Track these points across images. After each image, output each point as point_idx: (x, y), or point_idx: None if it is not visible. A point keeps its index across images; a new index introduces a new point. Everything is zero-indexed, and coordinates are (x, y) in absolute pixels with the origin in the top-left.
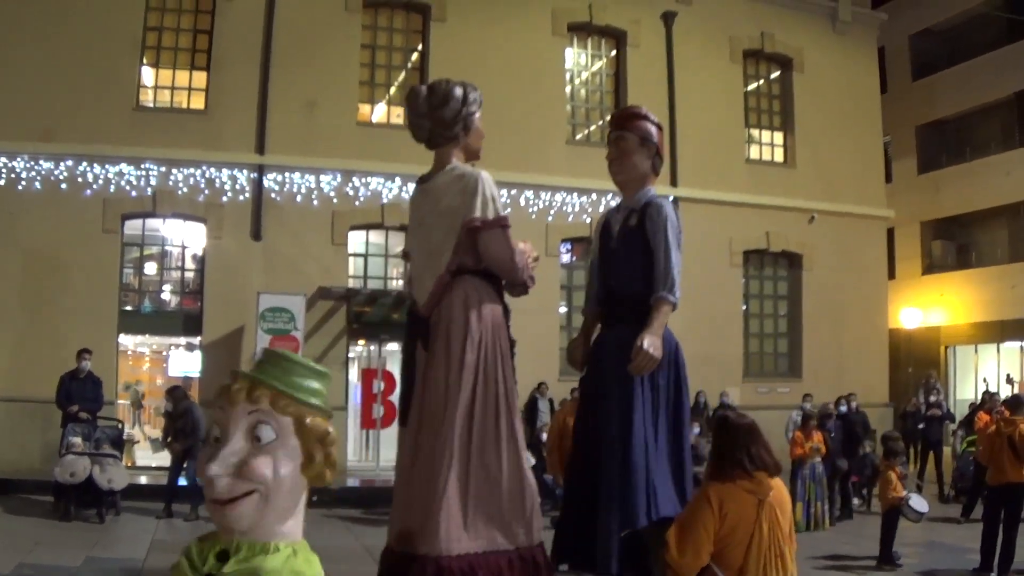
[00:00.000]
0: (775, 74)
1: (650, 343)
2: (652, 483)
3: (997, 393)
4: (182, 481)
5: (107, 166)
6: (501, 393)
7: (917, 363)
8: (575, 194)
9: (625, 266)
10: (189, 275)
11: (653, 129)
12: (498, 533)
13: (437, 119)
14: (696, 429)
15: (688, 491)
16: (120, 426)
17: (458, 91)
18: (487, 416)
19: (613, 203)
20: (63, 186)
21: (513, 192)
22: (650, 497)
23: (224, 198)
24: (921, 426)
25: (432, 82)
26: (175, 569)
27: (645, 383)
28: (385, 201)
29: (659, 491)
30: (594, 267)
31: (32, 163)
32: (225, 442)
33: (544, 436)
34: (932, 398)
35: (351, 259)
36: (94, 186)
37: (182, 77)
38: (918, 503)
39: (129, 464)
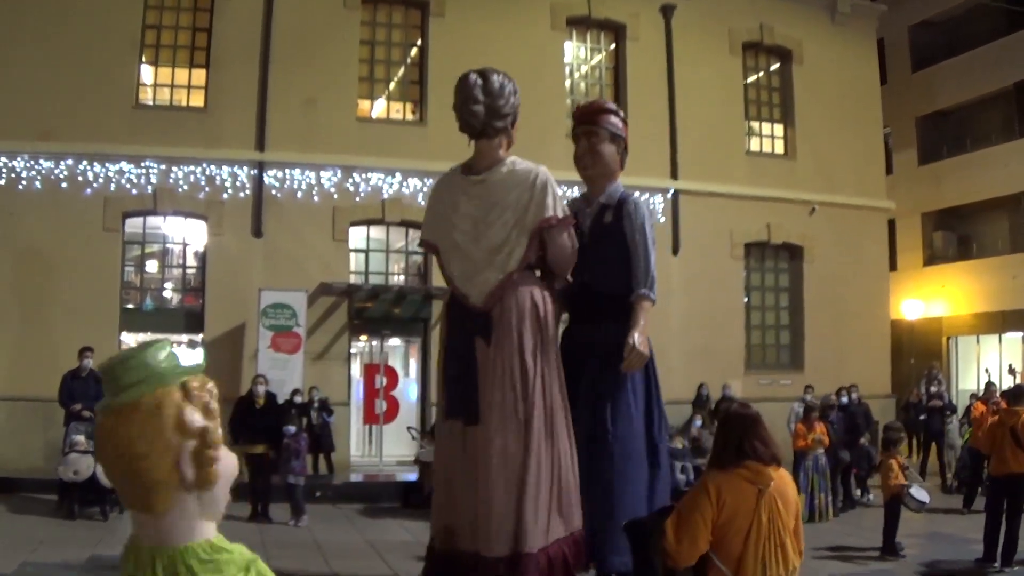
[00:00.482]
0: (774, 66)
1: (640, 341)
2: (651, 480)
3: (995, 384)
4: None
5: (107, 164)
6: (561, 386)
7: (919, 354)
8: (575, 188)
9: (601, 263)
10: (190, 272)
11: (620, 123)
12: (565, 520)
13: (492, 110)
14: (698, 421)
15: (659, 485)
16: None
17: (509, 83)
18: (556, 410)
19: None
20: (63, 185)
21: None
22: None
23: (225, 195)
24: (923, 417)
25: (483, 70)
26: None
27: (637, 380)
28: (386, 197)
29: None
30: None
31: (32, 162)
32: None
33: None
34: (933, 389)
35: (352, 255)
36: (94, 185)
37: (181, 75)
38: (919, 493)
39: None
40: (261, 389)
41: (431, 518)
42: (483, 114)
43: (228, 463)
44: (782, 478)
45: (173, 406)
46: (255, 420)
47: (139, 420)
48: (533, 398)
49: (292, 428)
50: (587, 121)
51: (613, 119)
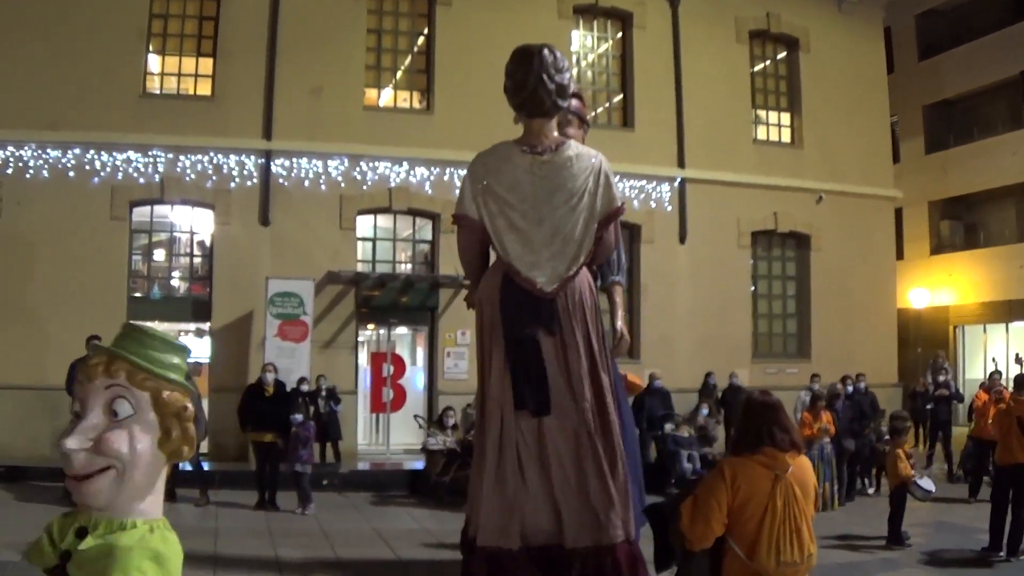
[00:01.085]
0: (781, 55)
1: (624, 327)
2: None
3: (999, 373)
4: (186, 465)
5: (114, 153)
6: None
7: (926, 343)
8: None
9: None
10: (198, 261)
11: (582, 105)
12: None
13: (561, 88)
14: (704, 410)
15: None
16: None
17: (565, 60)
18: (617, 401)
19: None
20: (71, 174)
21: None
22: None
23: (232, 184)
24: (930, 406)
25: (548, 46)
26: (33, 546)
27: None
28: (393, 185)
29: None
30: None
31: (39, 152)
32: (83, 416)
33: None
34: (941, 378)
35: (359, 243)
36: (102, 174)
37: (188, 64)
38: (925, 483)
39: None
40: (270, 377)
41: (473, 514)
42: (555, 92)
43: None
44: (801, 465)
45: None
46: (264, 407)
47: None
48: (603, 387)
49: (299, 417)
50: (574, 108)
51: (577, 103)
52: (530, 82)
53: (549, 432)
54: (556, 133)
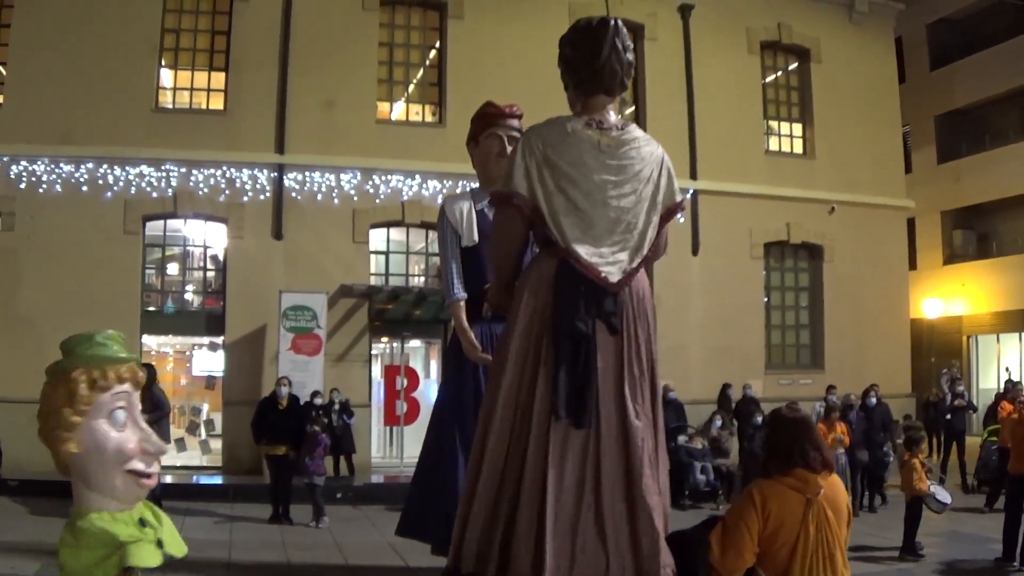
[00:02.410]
0: (792, 65)
1: None
2: None
3: (1019, 382)
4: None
5: (127, 168)
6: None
7: (939, 353)
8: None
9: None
10: (211, 275)
11: None
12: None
13: (630, 64)
14: (718, 421)
15: None
16: None
17: None
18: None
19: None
20: (84, 188)
21: None
22: None
23: (245, 198)
24: (949, 417)
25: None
26: (139, 553)
27: None
28: (405, 198)
29: None
30: (458, 256)
31: (53, 166)
32: (137, 421)
33: None
34: (959, 388)
35: (372, 257)
36: (115, 188)
37: (201, 78)
38: (941, 494)
39: None
40: (285, 391)
41: (466, 541)
42: (628, 67)
43: (107, 445)
44: (833, 485)
45: (78, 380)
46: (277, 420)
47: (47, 387)
48: (659, 403)
49: (316, 428)
50: (517, 126)
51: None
52: (604, 52)
53: (596, 448)
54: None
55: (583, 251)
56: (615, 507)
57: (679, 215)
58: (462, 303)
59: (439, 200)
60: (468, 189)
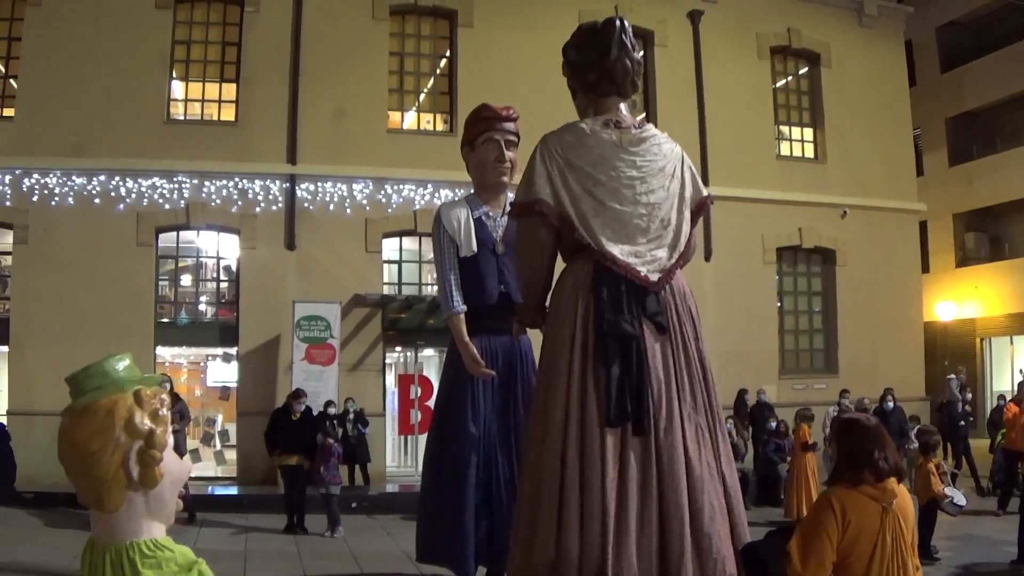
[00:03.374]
0: (803, 70)
1: None
2: None
3: None
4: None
5: (139, 180)
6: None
7: (953, 356)
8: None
9: (512, 272)
10: (224, 286)
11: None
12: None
13: (639, 64)
14: (728, 425)
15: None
16: None
17: None
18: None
19: None
20: (96, 201)
21: None
22: None
23: (257, 208)
24: (963, 423)
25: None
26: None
27: None
28: (417, 207)
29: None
30: (456, 266)
31: (65, 179)
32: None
33: None
34: (969, 395)
35: (385, 266)
36: (127, 200)
37: (212, 90)
38: (957, 497)
39: None
40: (300, 406)
41: (537, 553)
42: (637, 66)
43: (175, 467)
44: (902, 494)
45: (125, 409)
46: (291, 431)
47: (94, 421)
48: (714, 398)
49: (329, 439)
50: (514, 130)
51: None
52: (613, 51)
53: (657, 453)
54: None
55: (618, 251)
56: (679, 511)
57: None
58: (462, 316)
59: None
60: (463, 196)
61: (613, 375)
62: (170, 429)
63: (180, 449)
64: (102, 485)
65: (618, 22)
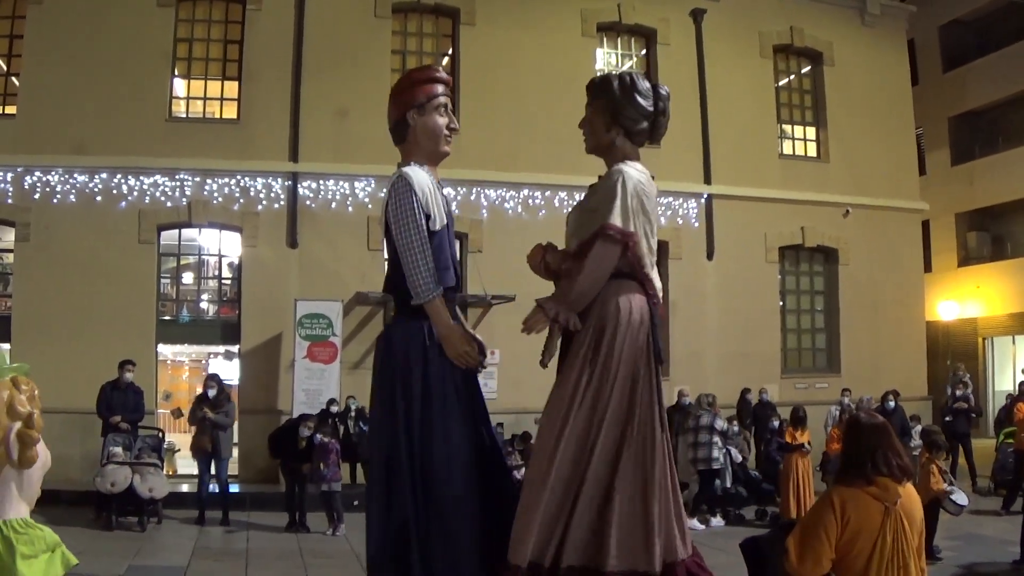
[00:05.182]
0: (805, 69)
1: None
2: None
3: None
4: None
5: (141, 177)
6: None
7: (955, 355)
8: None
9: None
10: (226, 284)
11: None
12: None
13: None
14: (733, 426)
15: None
16: (160, 435)
17: None
18: None
19: None
20: (98, 198)
21: (547, 193)
22: None
23: (259, 206)
24: (948, 419)
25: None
26: None
27: None
28: None
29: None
30: (428, 241)
31: (67, 176)
32: None
33: None
34: (959, 392)
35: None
36: (129, 198)
37: (214, 87)
38: (959, 497)
39: (170, 473)
40: (306, 432)
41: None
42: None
43: (44, 453)
44: (909, 494)
45: (5, 393)
46: (296, 452)
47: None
48: None
49: (325, 438)
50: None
51: None
52: (666, 114)
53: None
54: None
55: (658, 288)
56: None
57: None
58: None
59: (453, 207)
60: (411, 164)
61: (660, 389)
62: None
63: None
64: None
65: (665, 90)
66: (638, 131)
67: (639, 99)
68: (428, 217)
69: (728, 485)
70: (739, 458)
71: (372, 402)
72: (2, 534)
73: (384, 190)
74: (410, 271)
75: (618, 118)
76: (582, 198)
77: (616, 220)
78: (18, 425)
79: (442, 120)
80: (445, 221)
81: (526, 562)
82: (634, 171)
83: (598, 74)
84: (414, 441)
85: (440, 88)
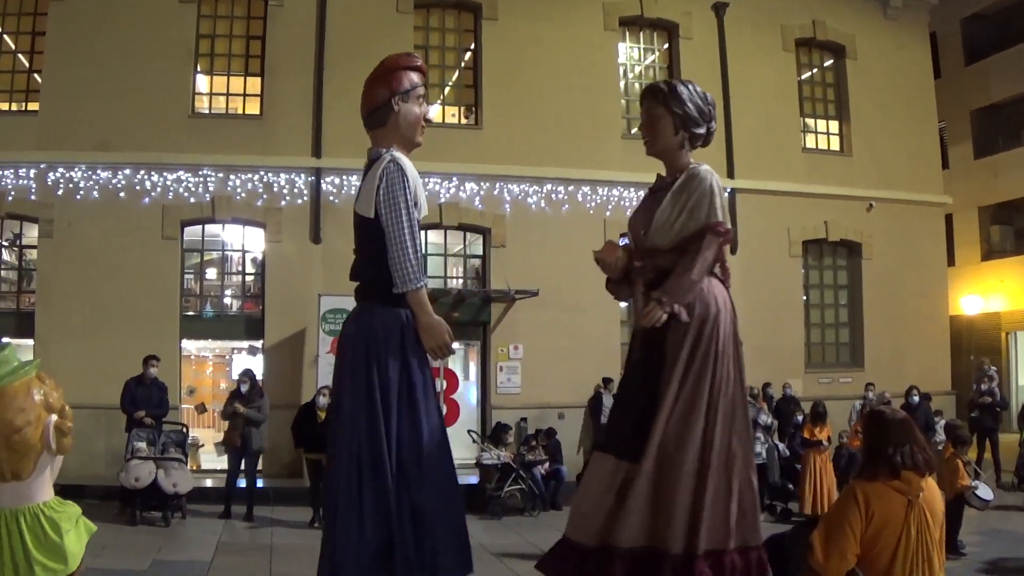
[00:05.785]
0: (828, 62)
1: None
2: None
3: None
4: (241, 482)
5: (165, 174)
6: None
7: (978, 350)
8: (632, 188)
9: None
10: (250, 279)
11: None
12: None
13: None
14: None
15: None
16: (184, 430)
17: None
18: None
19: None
20: (121, 195)
21: (570, 188)
22: None
23: (282, 202)
24: (974, 414)
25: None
26: None
27: None
28: (442, 201)
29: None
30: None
31: (90, 173)
32: None
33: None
34: (984, 386)
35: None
36: (152, 194)
37: (236, 83)
38: (983, 491)
39: (194, 468)
40: (323, 401)
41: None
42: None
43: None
44: (930, 488)
45: (37, 388)
46: (317, 429)
47: (16, 401)
48: None
49: None
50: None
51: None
52: (715, 126)
53: None
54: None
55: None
56: None
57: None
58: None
59: (476, 202)
60: (393, 148)
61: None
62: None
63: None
64: (24, 456)
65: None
66: (698, 135)
67: (703, 106)
68: (416, 205)
69: (775, 479)
70: (786, 452)
71: (337, 392)
72: (45, 515)
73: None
74: (400, 258)
75: (686, 123)
76: (656, 197)
77: (722, 218)
78: (55, 417)
79: (420, 111)
80: (425, 211)
81: (682, 549)
82: (712, 173)
83: (660, 80)
84: (395, 428)
85: (421, 78)
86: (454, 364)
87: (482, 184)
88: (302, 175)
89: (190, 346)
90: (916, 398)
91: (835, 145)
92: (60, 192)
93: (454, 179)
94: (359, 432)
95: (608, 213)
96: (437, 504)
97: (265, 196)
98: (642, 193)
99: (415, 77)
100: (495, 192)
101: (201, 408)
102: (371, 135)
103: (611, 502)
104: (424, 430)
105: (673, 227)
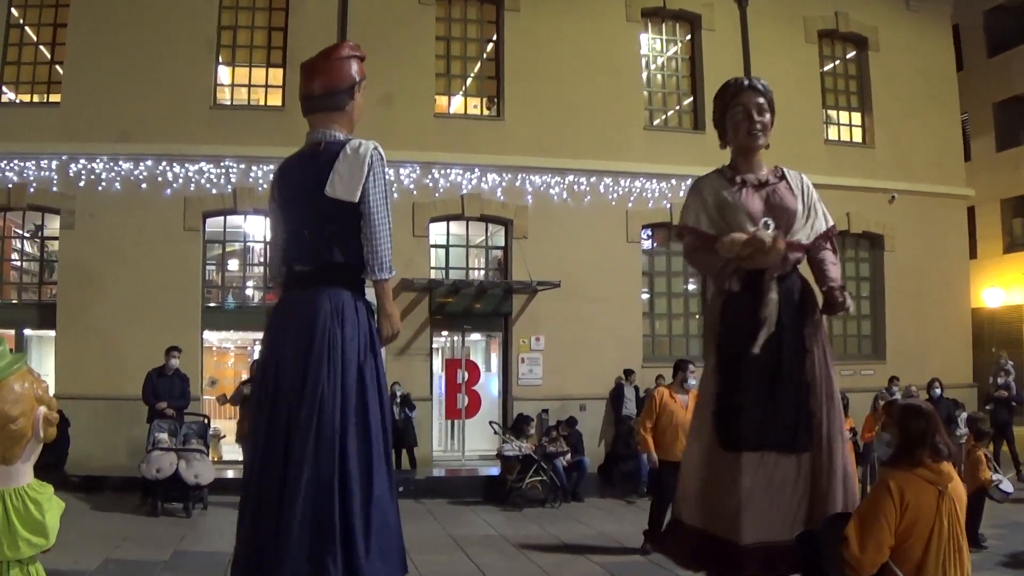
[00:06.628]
0: (851, 54)
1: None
2: None
3: None
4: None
5: (187, 165)
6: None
7: (1000, 343)
8: (654, 180)
9: None
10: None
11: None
12: None
13: None
14: None
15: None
16: (206, 421)
17: None
18: None
19: (685, 185)
20: (143, 186)
21: (592, 179)
22: None
23: None
24: (989, 407)
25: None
26: None
27: None
28: (464, 192)
29: None
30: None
31: (112, 164)
32: None
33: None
34: (1001, 380)
35: (432, 250)
36: (174, 185)
37: (258, 74)
38: (1005, 484)
39: (216, 459)
40: None
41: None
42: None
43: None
44: (955, 479)
45: (30, 381)
46: None
47: (14, 393)
48: None
49: None
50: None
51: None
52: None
53: None
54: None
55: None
56: None
57: None
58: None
59: (498, 193)
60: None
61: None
62: None
63: None
64: (16, 444)
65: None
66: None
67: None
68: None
69: None
70: None
71: (279, 365)
72: (29, 496)
73: (428, 177)
74: (381, 247)
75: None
76: (772, 193)
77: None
78: (44, 409)
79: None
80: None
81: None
82: None
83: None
84: (355, 400)
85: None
86: (476, 355)
87: (504, 175)
88: None
89: (212, 337)
90: (938, 391)
91: (857, 137)
92: (82, 183)
93: (476, 170)
94: (307, 408)
95: (630, 204)
96: (385, 475)
97: None
98: (667, 184)
99: (360, 64)
100: (517, 183)
101: (223, 399)
102: (318, 116)
103: (779, 496)
104: (385, 404)
105: (813, 226)
